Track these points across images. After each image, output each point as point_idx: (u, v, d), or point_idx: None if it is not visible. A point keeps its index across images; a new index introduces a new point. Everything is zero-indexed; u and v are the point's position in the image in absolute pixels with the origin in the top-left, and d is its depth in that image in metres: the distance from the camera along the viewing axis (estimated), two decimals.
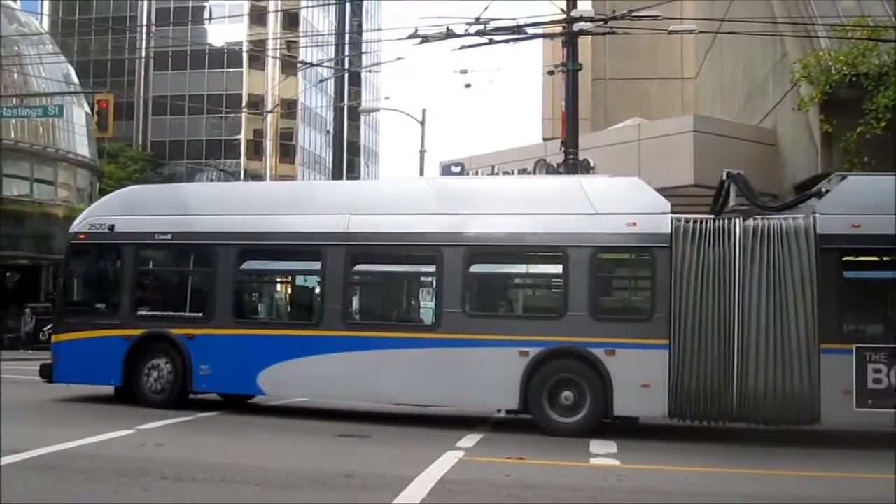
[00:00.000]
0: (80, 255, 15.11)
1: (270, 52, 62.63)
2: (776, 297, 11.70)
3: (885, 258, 12.35)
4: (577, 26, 19.14)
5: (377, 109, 73.13)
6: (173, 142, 73.97)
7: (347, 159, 59.00)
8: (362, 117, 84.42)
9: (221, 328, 13.81)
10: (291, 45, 63.70)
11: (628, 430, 12.58)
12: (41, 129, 41.44)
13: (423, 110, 38.37)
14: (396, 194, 14.19)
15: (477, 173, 26.13)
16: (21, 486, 7.86)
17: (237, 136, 75.26)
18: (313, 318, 13.85)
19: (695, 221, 12.28)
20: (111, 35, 69.65)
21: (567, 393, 12.25)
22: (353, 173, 78.98)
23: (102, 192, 37.00)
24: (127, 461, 9.21)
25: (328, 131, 67.44)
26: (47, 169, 42.22)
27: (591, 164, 23.23)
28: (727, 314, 11.76)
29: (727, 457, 10.87)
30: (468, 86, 32.38)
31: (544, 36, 22.40)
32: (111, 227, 14.58)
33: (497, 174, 25.19)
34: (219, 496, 7.93)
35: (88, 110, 40.14)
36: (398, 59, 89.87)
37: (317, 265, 13.74)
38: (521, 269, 13.96)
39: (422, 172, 37.10)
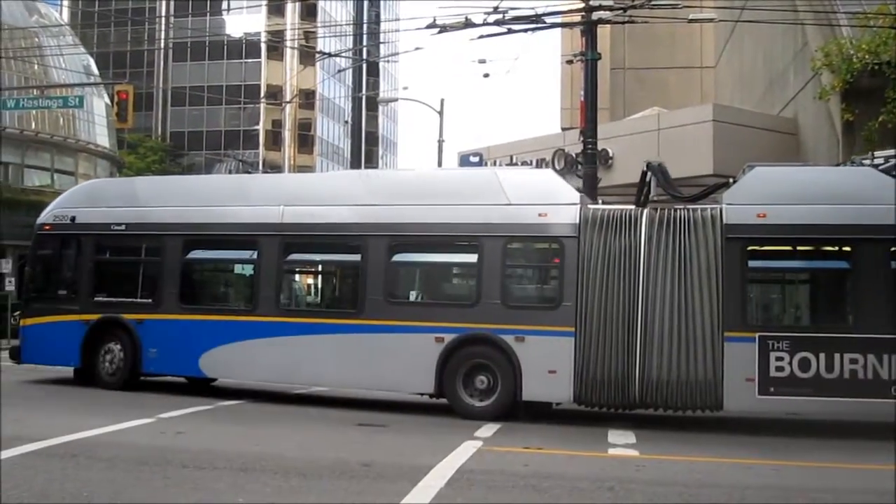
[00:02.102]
0: (44, 244, 15.76)
1: (289, 43, 62.67)
2: (681, 285, 11.83)
3: (788, 247, 12.47)
4: (595, 15, 19.04)
5: (395, 99, 73.00)
6: (192, 132, 74.21)
7: (366, 149, 59.10)
8: (380, 107, 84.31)
9: (168, 314, 14.49)
10: (309, 36, 63.70)
11: (648, 420, 12.59)
12: (62, 120, 41.71)
13: (442, 100, 38.47)
14: (328, 186, 14.77)
15: (495, 163, 26.12)
16: (43, 474, 7.95)
17: (256, 127, 75.40)
18: (250, 304, 14.39)
19: (603, 212, 12.49)
20: (130, 26, 69.94)
21: (481, 377, 12.61)
22: (372, 163, 78.99)
23: None
24: (148, 450, 9.30)
25: (346, 121, 67.49)
26: (68, 160, 42.47)
27: (610, 154, 23.20)
28: (632, 303, 11.94)
29: (746, 447, 10.83)
30: (486, 75, 32.58)
31: (563, 25, 22.33)
32: (73, 219, 15.31)
33: (515, 164, 25.18)
34: (239, 484, 7.99)
35: (108, 101, 40.45)
36: (416, 48, 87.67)
37: (254, 254, 14.29)
38: (440, 257, 14.23)
39: (440, 162, 37.10)
